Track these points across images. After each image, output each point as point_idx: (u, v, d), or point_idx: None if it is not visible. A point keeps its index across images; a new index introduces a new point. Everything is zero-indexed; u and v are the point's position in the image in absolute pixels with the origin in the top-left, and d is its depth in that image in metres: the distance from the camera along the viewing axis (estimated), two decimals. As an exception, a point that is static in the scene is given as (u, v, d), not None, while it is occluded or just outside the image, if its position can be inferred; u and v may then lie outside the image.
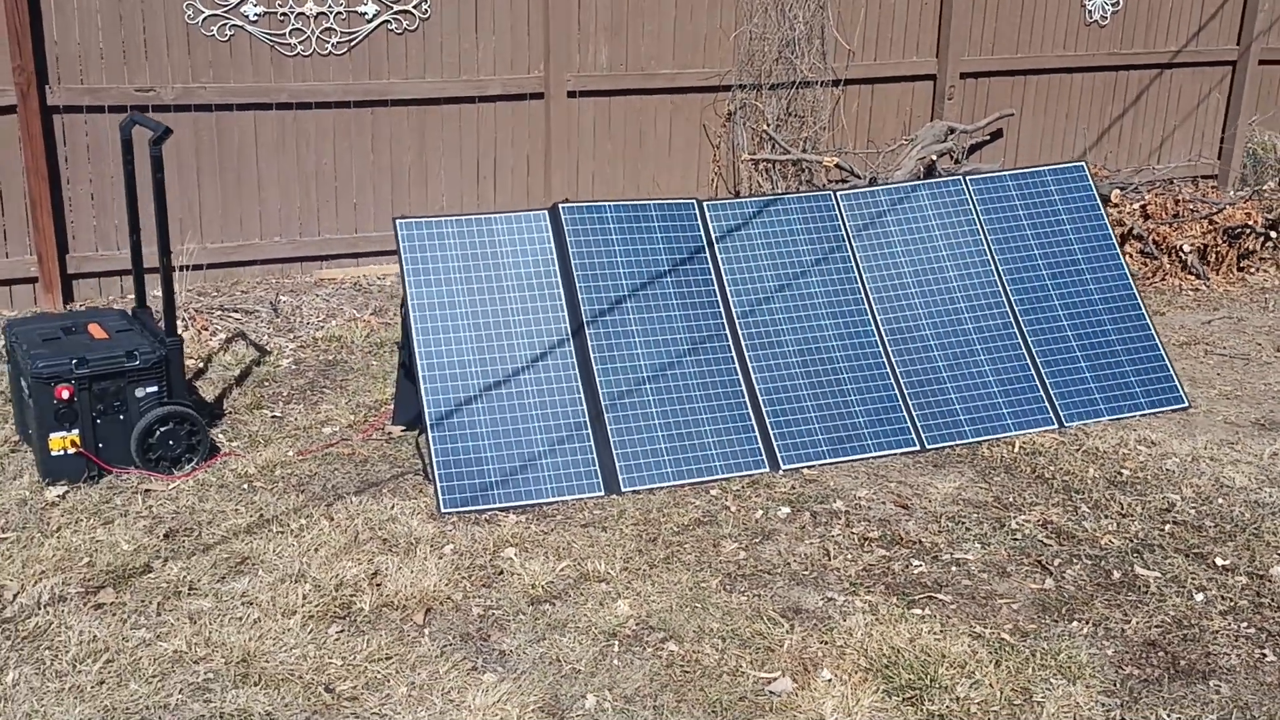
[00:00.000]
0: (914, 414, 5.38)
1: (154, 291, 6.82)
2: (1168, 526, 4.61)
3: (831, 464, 5.17)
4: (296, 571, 4.24)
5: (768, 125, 8.69)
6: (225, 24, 7.38)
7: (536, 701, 3.58)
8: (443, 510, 4.75)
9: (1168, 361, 5.75)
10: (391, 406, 5.73)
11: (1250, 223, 7.70)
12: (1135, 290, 5.86)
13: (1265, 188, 9.73)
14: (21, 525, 4.57)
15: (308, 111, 7.70)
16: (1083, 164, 6.16)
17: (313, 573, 4.24)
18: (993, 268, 5.79)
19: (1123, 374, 5.68)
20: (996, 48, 9.42)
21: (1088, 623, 4.00)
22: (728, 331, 5.37)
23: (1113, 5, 9.68)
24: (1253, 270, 7.86)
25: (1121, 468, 5.09)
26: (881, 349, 5.50)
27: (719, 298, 5.43)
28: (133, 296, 7.34)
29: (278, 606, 4.02)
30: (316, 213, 7.87)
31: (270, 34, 7.49)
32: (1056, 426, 5.47)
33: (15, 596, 4.08)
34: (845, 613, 4.06)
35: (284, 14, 7.49)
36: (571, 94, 8.26)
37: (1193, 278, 7.90)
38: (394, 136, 7.97)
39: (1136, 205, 8.08)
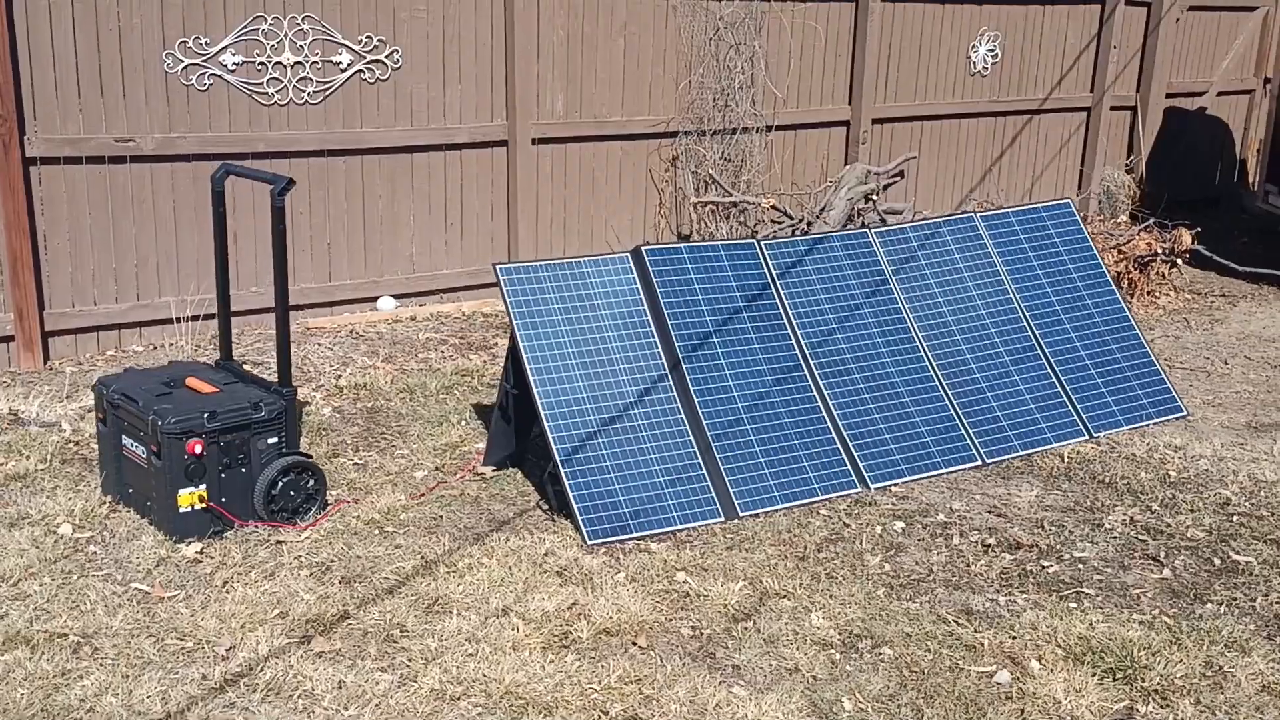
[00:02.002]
0: (970, 431, 5.88)
1: (129, 346, 6.65)
2: (1235, 518, 5.25)
3: (911, 481, 5.60)
4: (496, 607, 4.35)
5: (711, 169, 9.13)
6: (204, 73, 7.29)
7: (800, 709, 3.84)
8: (589, 542, 4.92)
9: (1165, 375, 6.48)
10: (466, 446, 5.83)
11: (1154, 251, 8.64)
12: (1129, 313, 6.57)
13: (1120, 220, 10.85)
14: (183, 583, 4.48)
15: (284, 160, 7.64)
16: (1069, 201, 6.86)
17: (513, 607, 4.35)
18: (1011, 296, 6.38)
19: (1130, 388, 6.36)
20: (899, 95, 10.18)
21: (1219, 604, 4.56)
22: (802, 363, 5.74)
23: (992, 57, 10.61)
24: (1158, 295, 8.81)
25: (1165, 470, 5.73)
26: (933, 373, 5.99)
27: (789, 331, 5.80)
28: (112, 353, 7.13)
29: (502, 641, 4.13)
30: (293, 264, 7.79)
31: (248, 83, 7.43)
32: (1088, 437, 6.08)
33: (231, 650, 4.03)
34: (1014, 611, 4.48)
35: (262, 63, 7.45)
36: (535, 141, 8.48)
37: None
38: (366, 185, 8.00)
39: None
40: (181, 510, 4.81)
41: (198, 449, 4.77)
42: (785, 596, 4.53)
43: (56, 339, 7.16)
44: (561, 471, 5.09)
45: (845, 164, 9.97)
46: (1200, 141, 12.24)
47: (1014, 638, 4.28)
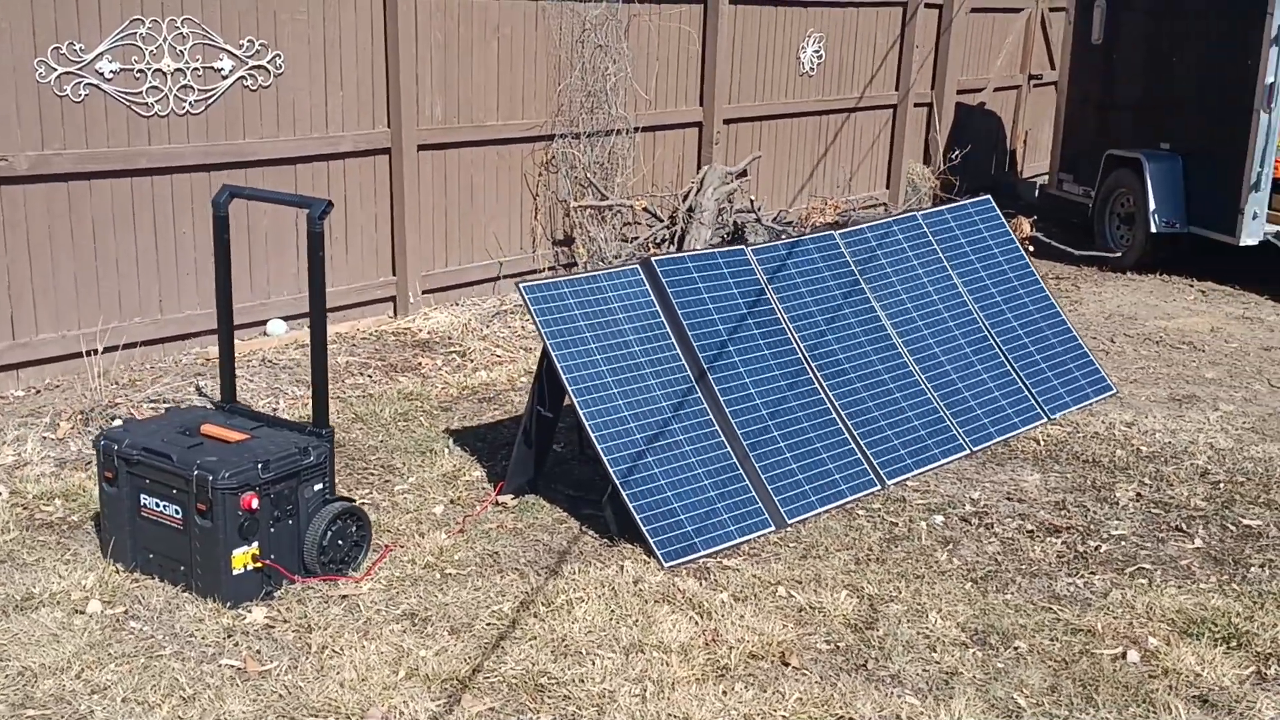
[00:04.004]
0: (954, 422, 6.09)
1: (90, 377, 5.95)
2: (1222, 486, 5.69)
3: (918, 474, 5.75)
4: (628, 643, 4.16)
5: (586, 172, 9.02)
6: (79, 82, 6.57)
7: (984, 711, 3.88)
8: (665, 565, 4.79)
9: (1092, 357, 6.92)
10: (467, 476, 5.55)
11: (1025, 237, 9.21)
12: (1052, 300, 6.98)
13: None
14: (274, 653, 4.04)
15: (165, 178, 7.00)
16: (989, 197, 7.21)
17: (645, 640, 4.18)
18: (959, 289, 6.64)
19: (1069, 370, 6.75)
20: (742, 96, 10.38)
21: (1261, 567, 4.93)
22: (806, 365, 5.78)
23: (818, 57, 10.99)
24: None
25: (1134, 445, 6.13)
26: (912, 368, 6.16)
27: (789, 335, 5.83)
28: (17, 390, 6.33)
29: (663, 678, 3.96)
30: (178, 288, 7.16)
31: (127, 93, 6.76)
32: (1046, 419, 6.42)
33: (386, 719, 3.68)
34: (1097, 592, 4.69)
35: (141, 71, 6.79)
36: (421, 148, 8.12)
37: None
38: (251, 200, 7.41)
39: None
40: (235, 572, 4.33)
41: (254, 503, 4.31)
42: (891, 601, 4.55)
43: (-73, 387, 6.28)
44: (623, 493, 4.92)
45: (699, 164, 10.07)
46: (981, 134, 13.11)
47: (1115, 618, 4.48)
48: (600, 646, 4.15)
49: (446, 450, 5.87)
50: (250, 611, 4.30)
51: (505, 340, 7.67)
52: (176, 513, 4.38)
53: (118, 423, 5.85)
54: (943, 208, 6.93)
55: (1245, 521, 5.34)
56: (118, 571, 4.54)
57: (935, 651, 4.22)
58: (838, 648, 4.24)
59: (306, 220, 4.48)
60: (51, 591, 4.39)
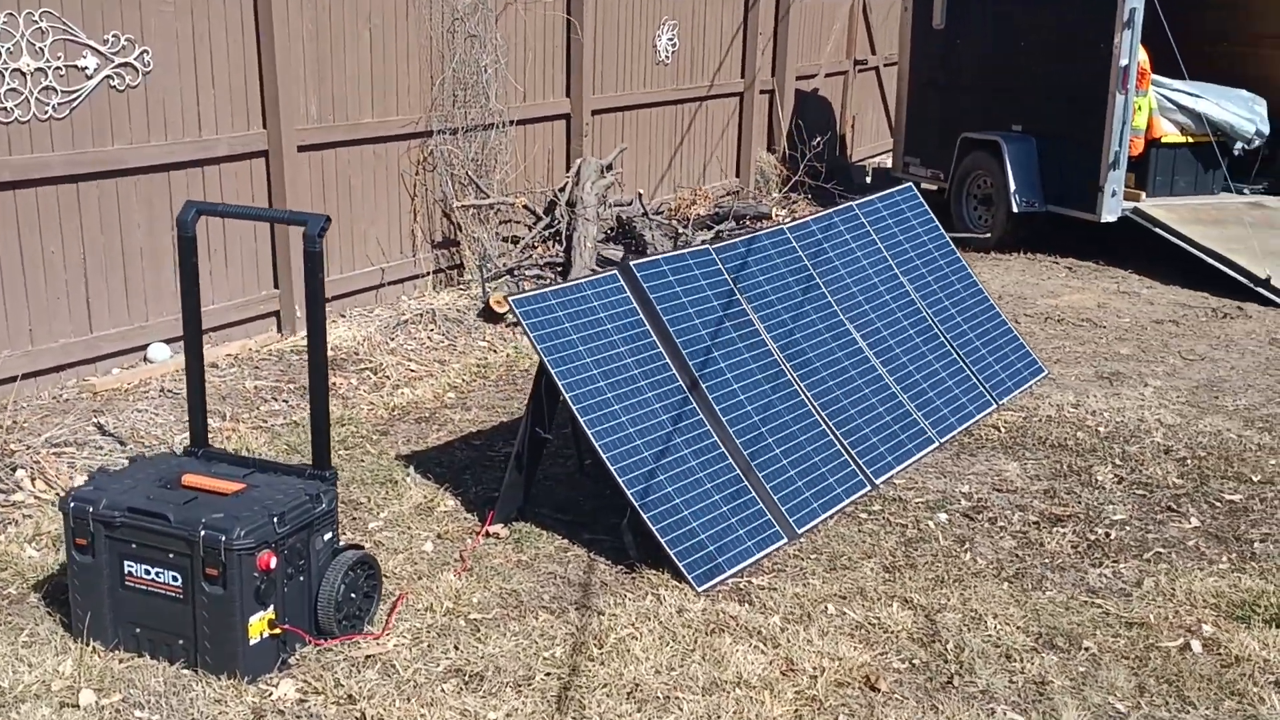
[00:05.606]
0: (919, 414, 6.01)
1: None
2: (1189, 462, 5.78)
3: (899, 470, 5.63)
4: (706, 682, 3.86)
5: (466, 169, 8.56)
6: (-69, 85, 5.74)
7: (1089, 718, 3.77)
8: (698, 589, 4.50)
9: (1023, 341, 6.97)
10: (441, 506, 5.11)
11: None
12: (981, 286, 7.00)
13: (775, 197, 11.54)
14: (328, 735, 3.56)
15: (30, 190, 6.22)
16: (911, 185, 7.16)
17: (720, 677, 3.89)
18: (900, 279, 6.57)
19: (1006, 355, 6.78)
20: (605, 86, 10.09)
21: (1264, 542, 5.01)
22: (782, 366, 5.58)
23: (672, 45, 10.80)
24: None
25: (1091, 426, 6.19)
26: (874, 362, 6.05)
27: (762, 336, 5.61)
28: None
29: (761, 716, 3.68)
30: (49, 314, 6.37)
31: (-17, 96, 5.95)
32: (995, 406, 6.42)
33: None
34: (1130, 581, 4.66)
35: (-2, 70, 5.99)
36: (301, 149, 7.50)
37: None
38: (123, 212, 6.70)
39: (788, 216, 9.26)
40: (252, 643, 3.80)
41: (271, 563, 3.79)
42: (943, 610, 4.40)
43: None
44: (643, 516, 4.59)
45: (569, 158, 9.73)
46: (817, 120, 13.21)
47: (1160, 608, 4.45)
48: (678, 689, 3.83)
49: (407, 479, 5.39)
50: (276, 686, 3.78)
51: (416, 354, 7.16)
52: (175, 580, 3.81)
53: (37, 475, 5.12)
54: (873, 197, 6.84)
55: (1227, 497, 5.44)
56: (96, 652, 3.92)
57: (1012, 660, 4.08)
58: (914, 666, 4.05)
59: (304, 240, 3.95)
60: (25, 684, 3.75)
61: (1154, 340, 7.77)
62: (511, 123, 8.85)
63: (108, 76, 6.46)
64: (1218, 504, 5.37)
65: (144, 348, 6.84)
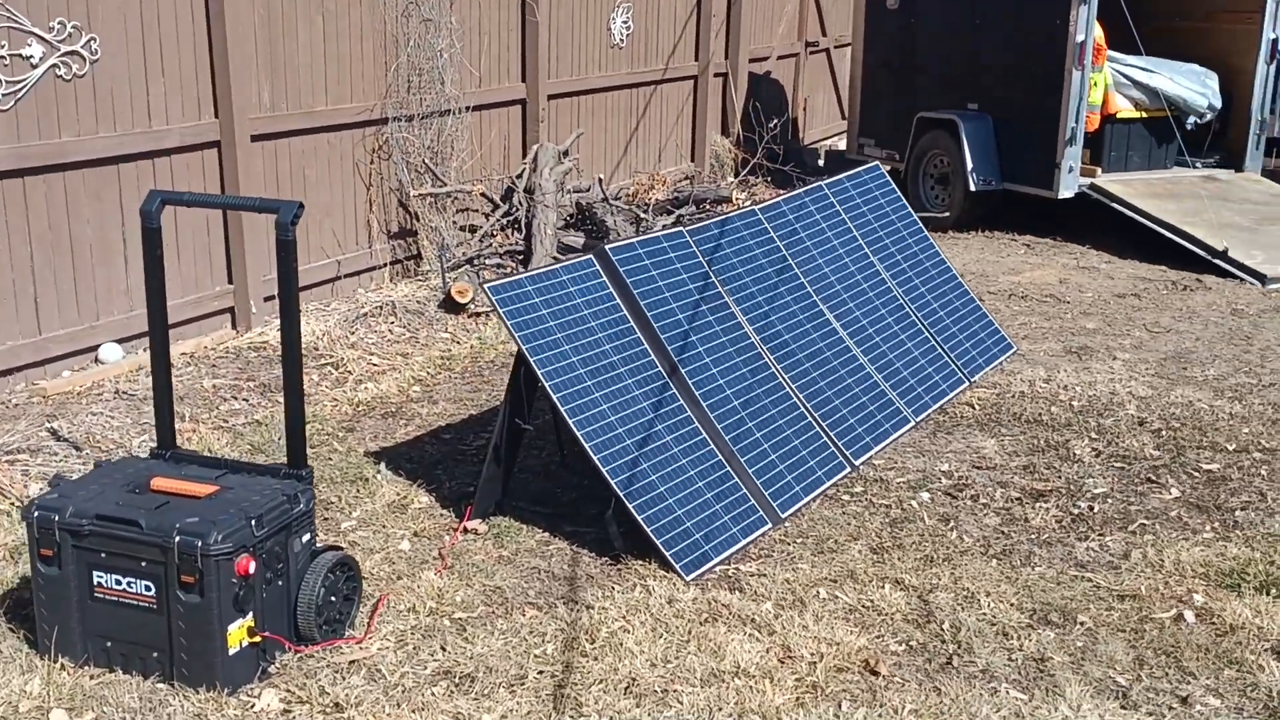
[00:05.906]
0: (894, 394, 5.96)
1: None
2: (1164, 434, 5.78)
3: (878, 451, 5.57)
4: (703, 674, 3.78)
5: (425, 158, 8.40)
6: None
7: (1092, 693, 3.73)
8: (687, 578, 4.41)
9: (991, 318, 6.94)
10: (415, 503, 4.99)
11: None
12: (949, 264, 6.96)
13: (731, 181, 11.45)
14: (318, 742, 3.43)
15: (-27, 186, 6.01)
16: (877, 164, 7.10)
17: (719, 668, 3.80)
18: (871, 259, 6.51)
19: (976, 333, 6.75)
20: (560, 71, 9.95)
21: (1244, 509, 5.01)
22: (760, 350, 5.50)
23: (627, 28, 10.68)
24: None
25: (1064, 400, 6.17)
26: (849, 343, 5.98)
27: (738, 319, 5.52)
28: None
29: (762, 707, 3.60)
30: (-8, 313, 6.17)
31: (-77, 89, 5.73)
32: (968, 383, 6.39)
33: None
34: (1117, 554, 4.63)
35: (-62, 62, 5.77)
36: (254, 138, 7.31)
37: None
38: (71, 207, 6.48)
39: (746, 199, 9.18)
40: (231, 652, 3.66)
41: (249, 567, 3.65)
42: (935, 589, 4.34)
43: None
44: (629, 506, 4.50)
45: (524, 144, 9.59)
46: (770, 103, 13.14)
47: (1150, 579, 4.43)
48: (676, 681, 3.74)
49: (378, 476, 5.25)
50: (258, 697, 3.64)
51: (377, 347, 7.01)
52: (148, 589, 3.66)
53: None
54: (841, 177, 6.77)
55: (1205, 467, 5.43)
56: (65, 669, 3.76)
57: (1009, 638, 4.03)
58: (912, 647, 3.99)
59: (276, 227, 3.81)
60: (-7, 702, 3.59)
61: (1118, 314, 7.77)
62: (467, 109, 8.69)
63: (54, 65, 6.24)
64: (1196, 474, 5.36)
65: (95, 348, 6.64)
